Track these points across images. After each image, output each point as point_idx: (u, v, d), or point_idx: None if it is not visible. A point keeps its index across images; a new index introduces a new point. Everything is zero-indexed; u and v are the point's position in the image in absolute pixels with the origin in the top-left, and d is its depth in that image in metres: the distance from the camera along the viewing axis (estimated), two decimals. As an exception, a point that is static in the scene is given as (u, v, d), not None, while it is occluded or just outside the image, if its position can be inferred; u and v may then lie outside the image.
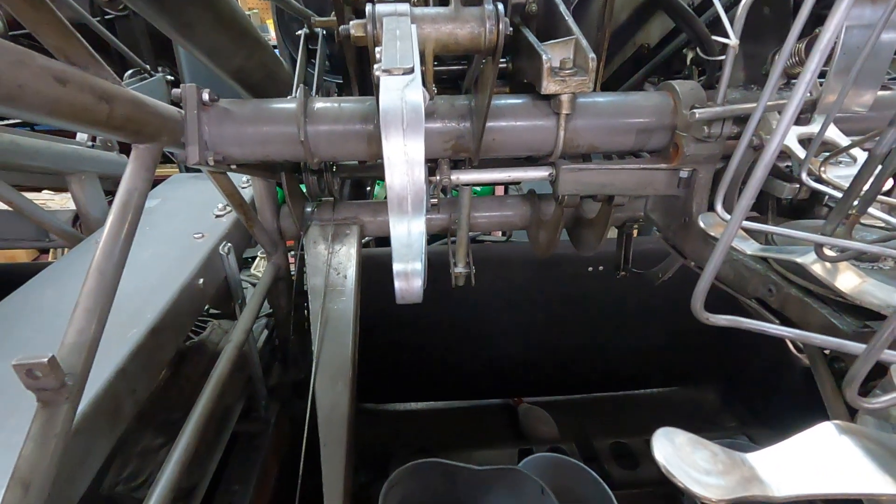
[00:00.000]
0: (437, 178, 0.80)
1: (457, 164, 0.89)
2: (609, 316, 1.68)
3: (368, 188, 1.73)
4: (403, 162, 0.38)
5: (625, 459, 1.64)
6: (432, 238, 1.83)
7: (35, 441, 0.46)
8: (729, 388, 1.90)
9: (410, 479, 1.20)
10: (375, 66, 0.42)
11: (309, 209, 1.14)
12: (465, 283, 1.15)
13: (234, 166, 0.79)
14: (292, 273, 1.31)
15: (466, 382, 1.87)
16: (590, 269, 1.54)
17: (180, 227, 1.10)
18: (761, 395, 1.77)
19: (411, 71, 0.40)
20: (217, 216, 1.16)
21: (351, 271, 1.08)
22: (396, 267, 0.41)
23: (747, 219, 0.44)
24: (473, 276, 1.15)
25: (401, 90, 0.38)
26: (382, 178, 1.39)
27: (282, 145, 0.72)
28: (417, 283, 0.41)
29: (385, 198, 0.44)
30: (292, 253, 1.33)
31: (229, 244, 1.07)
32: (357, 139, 0.72)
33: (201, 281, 0.94)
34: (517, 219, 1.19)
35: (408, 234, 0.40)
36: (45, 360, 0.44)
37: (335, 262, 1.09)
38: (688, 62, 1.00)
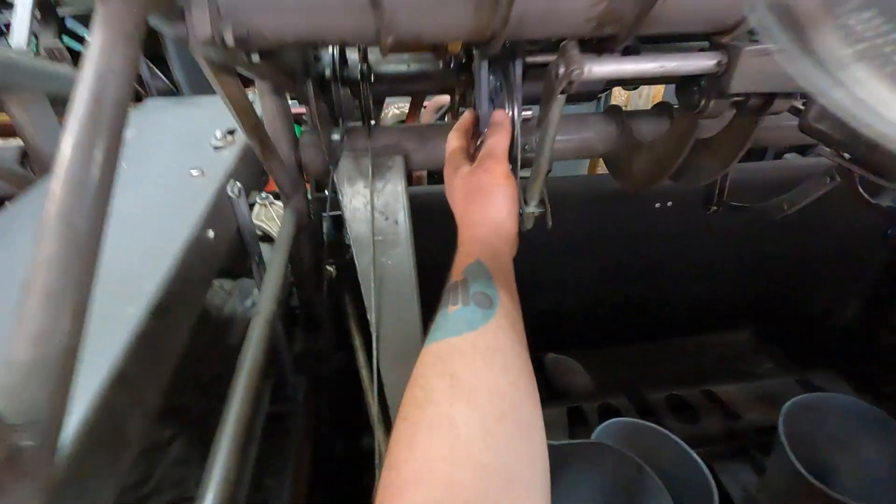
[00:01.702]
0: (561, 69, 0.54)
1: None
2: (671, 259, 1.48)
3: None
4: None
5: (682, 412, 1.50)
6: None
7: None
8: (805, 333, 1.71)
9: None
10: None
11: (336, 136, 0.88)
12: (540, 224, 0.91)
13: (255, 56, 0.51)
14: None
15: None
16: (657, 205, 1.31)
17: (170, 162, 0.83)
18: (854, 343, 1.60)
19: None
20: (216, 147, 0.88)
21: (402, 216, 0.84)
22: None
23: None
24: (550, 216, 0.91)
25: None
26: (442, 89, 1.08)
27: (341, 13, 0.45)
28: None
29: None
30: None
31: (238, 184, 0.81)
32: (461, 2, 0.46)
33: (211, 233, 0.68)
34: (598, 142, 0.94)
35: None
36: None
37: (380, 204, 0.84)
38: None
